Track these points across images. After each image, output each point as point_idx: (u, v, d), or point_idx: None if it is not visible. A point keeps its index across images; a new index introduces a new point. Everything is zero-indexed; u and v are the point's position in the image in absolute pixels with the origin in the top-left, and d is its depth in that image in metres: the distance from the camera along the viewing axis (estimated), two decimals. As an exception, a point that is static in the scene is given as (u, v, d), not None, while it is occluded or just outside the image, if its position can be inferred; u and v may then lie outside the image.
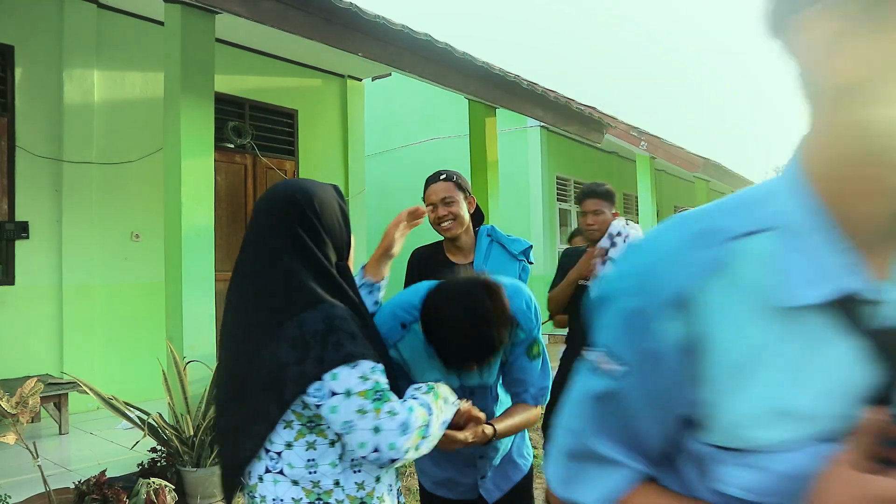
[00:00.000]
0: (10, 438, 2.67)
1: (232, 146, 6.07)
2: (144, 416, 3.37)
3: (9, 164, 4.75)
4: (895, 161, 0.55)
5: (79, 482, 3.00)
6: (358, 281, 1.67)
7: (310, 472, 1.23)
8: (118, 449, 3.85)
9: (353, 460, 1.26)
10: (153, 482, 3.12)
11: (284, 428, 1.23)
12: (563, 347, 3.29)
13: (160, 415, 3.44)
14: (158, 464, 3.36)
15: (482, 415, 1.53)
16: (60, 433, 4.29)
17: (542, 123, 8.51)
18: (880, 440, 0.57)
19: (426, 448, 1.28)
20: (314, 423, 1.23)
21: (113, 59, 5.31)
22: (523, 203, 9.53)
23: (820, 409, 0.60)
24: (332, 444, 1.25)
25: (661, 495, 0.69)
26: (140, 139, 5.40)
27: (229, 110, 6.10)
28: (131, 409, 3.42)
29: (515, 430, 1.67)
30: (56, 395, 4.23)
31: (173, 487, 3.21)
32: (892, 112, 0.53)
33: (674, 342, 0.62)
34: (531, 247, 2.25)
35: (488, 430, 1.54)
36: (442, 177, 2.21)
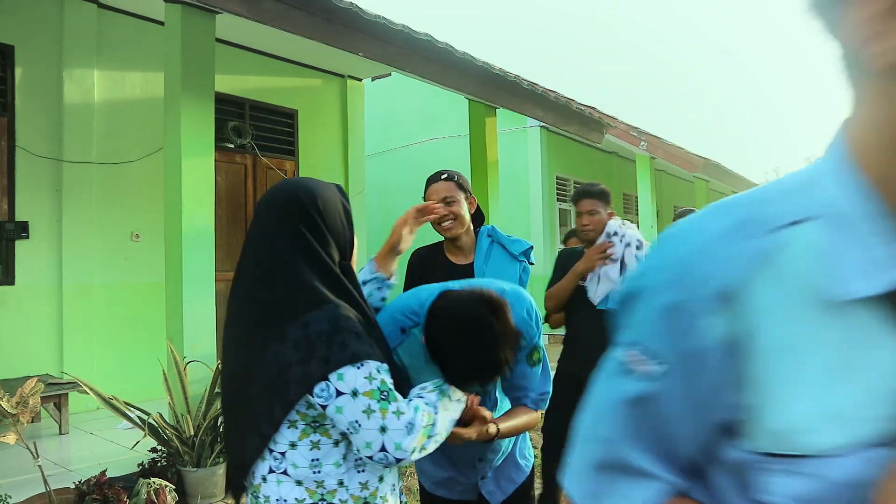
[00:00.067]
0: (11, 438, 2.67)
1: (232, 146, 6.07)
2: (145, 416, 3.37)
3: (9, 163, 4.75)
4: None
5: (79, 482, 3.00)
6: (368, 274, 1.66)
7: (314, 472, 1.23)
8: (118, 449, 3.85)
9: (357, 460, 1.26)
10: (153, 482, 3.12)
11: (288, 428, 1.22)
12: (560, 349, 3.27)
13: (160, 415, 3.44)
14: (159, 464, 3.36)
15: (488, 413, 1.53)
16: (60, 433, 4.29)
17: (542, 123, 8.51)
18: None
19: (432, 447, 1.28)
20: (318, 423, 1.23)
21: (113, 59, 5.31)
22: (523, 203, 9.54)
23: (871, 410, 0.56)
24: (337, 443, 1.24)
25: None
26: (140, 139, 5.40)
27: (229, 110, 6.10)
28: (131, 409, 3.42)
29: (517, 432, 1.67)
30: (56, 395, 4.23)
31: (174, 487, 3.21)
32: None
33: (717, 340, 0.58)
34: (532, 247, 2.24)
35: (492, 428, 1.54)
36: (443, 176, 2.20)
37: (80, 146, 5.05)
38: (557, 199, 10.06)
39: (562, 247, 5.55)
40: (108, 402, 3.34)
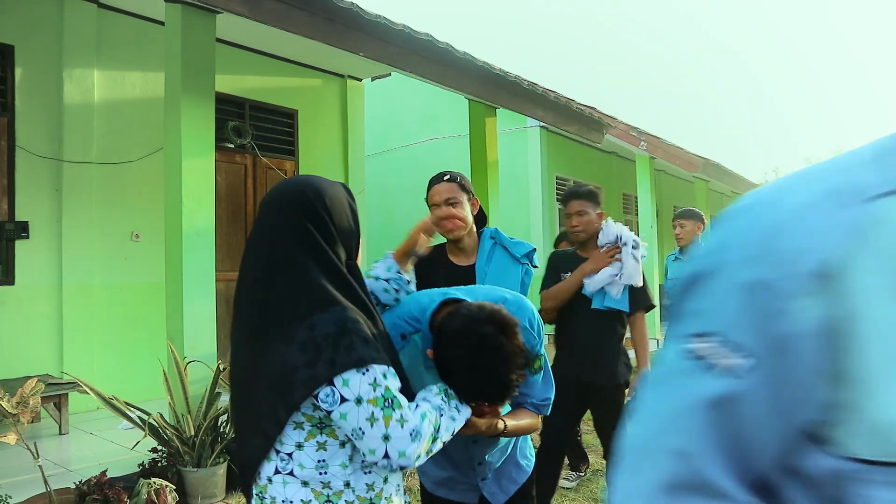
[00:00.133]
0: (11, 438, 2.67)
1: (232, 146, 6.07)
2: (145, 416, 3.37)
3: (9, 163, 4.75)
4: None
5: (80, 482, 3.00)
6: (388, 272, 1.63)
7: (320, 473, 1.22)
8: (119, 449, 3.85)
9: (363, 461, 1.26)
10: (154, 482, 3.12)
11: (294, 429, 1.22)
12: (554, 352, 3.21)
13: (161, 415, 3.44)
14: (159, 464, 3.36)
15: (499, 409, 1.53)
16: (60, 433, 4.29)
17: (542, 123, 8.51)
18: None
19: (437, 449, 1.27)
20: (324, 424, 1.22)
21: (113, 58, 5.31)
22: (523, 203, 9.54)
23: None
24: (343, 444, 1.24)
25: None
26: (140, 139, 5.40)
27: (229, 110, 6.10)
28: (132, 409, 3.42)
29: (521, 432, 1.67)
30: (56, 395, 4.22)
31: (174, 487, 3.21)
32: None
33: (812, 325, 0.49)
34: (535, 250, 2.23)
35: (500, 424, 1.54)
36: (446, 177, 2.20)
37: (80, 146, 5.04)
38: (557, 200, 10.06)
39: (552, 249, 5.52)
40: (108, 402, 3.34)
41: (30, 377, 3.50)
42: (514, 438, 1.80)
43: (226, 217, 5.97)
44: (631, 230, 3.11)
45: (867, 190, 0.51)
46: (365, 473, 1.26)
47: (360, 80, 7.49)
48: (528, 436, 1.92)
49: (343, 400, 1.16)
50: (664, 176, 12.33)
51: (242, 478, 1.32)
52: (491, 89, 6.05)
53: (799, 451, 0.51)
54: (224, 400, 3.60)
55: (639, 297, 3.03)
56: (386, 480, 1.30)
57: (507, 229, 2.65)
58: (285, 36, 4.42)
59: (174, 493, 3.17)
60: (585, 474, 4.10)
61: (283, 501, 1.22)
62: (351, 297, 1.25)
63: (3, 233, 4.69)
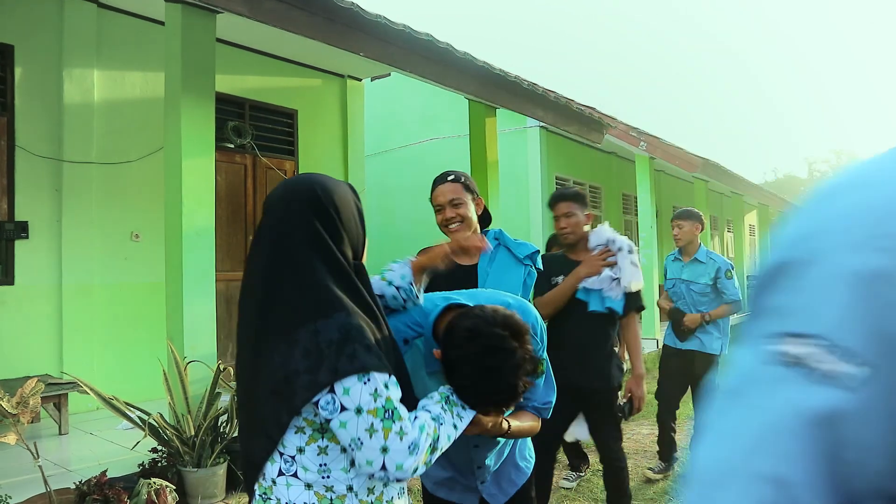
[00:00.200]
0: (11, 439, 2.67)
1: (232, 146, 6.07)
2: (145, 416, 3.37)
3: (9, 163, 4.75)
4: None
5: (80, 482, 3.00)
6: (403, 281, 1.59)
7: (323, 477, 1.22)
8: (118, 449, 3.84)
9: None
10: (154, 482, 3.12)
11: (296, 433, 1.21)
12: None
13: (161, 415, 3.44)
14: (159, 464, 3.36)
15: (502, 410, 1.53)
16: (60, 433, 4.29)
17: (542, 123, 8.51)
18: None
19: (435, 458, 1.27)
20: (325, 429, 1.21)
21: (113, 58, 5.31)
22: (523, 203, 9.54)
23: None
24: (344, 449, 1.23)
25: None
26: (140, 139, 5.40)
27: (229, 110, 6.10)
28: (132, 409, 3.42)
29: (523, 434, 1.67)
30: (56, 395, 4.22)
31: (174, 488, 3.21)
32: None
33: None
34: (538, 251, 2.23)
35: (504, 424, 1.53)
36: (450, 178, 2.19)
37: (80, 146, 5.04)
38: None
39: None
40: (108, 402, 3.34)
41: (30, 377, 3.50)
42: (512, 441, 1.80)
43: (226, 217, 5.96)
44: (631, 230, 3.10)
45: None
46: (368, 478, 1.25)
47: (360, 80, 7.49)
48: (528, 438, 1.92)
49: (343, 409, 1.15)
50: (664, 176, 12.33)
51: (246, 477, 1.31)
52: (491, 89, 6.05)
53: None
54: (224, 400, 3.61)
55: (631, 299, 3.01)
56: (386, 484, 1.29)
57: (506, 229, 2.64)
58: (285, 36, 4.42)
59: (174, 494, 3.17)
60: (585, 474, 4.10)
61: (286, 503, 1.22)
62: (357, 300, 1.24)
63: (2, 233, 4.69)
